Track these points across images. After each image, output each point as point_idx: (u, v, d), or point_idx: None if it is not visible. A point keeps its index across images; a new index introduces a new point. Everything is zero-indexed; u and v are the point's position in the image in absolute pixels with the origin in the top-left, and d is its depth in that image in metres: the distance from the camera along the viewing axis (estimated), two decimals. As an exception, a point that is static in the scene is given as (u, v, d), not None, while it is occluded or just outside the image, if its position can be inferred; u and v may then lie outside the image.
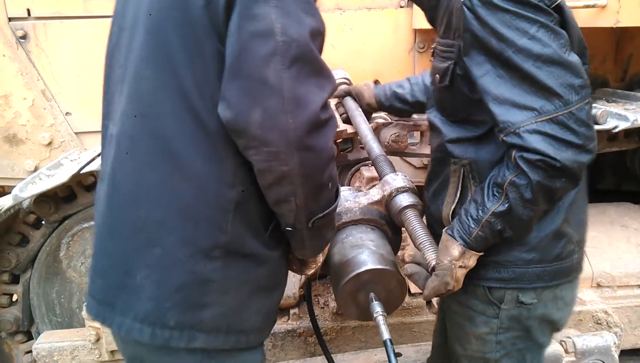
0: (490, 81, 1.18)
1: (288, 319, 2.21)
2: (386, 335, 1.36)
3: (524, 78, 1.14)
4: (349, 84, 2.17)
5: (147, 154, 1.08)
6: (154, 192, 1.07)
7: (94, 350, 2.07)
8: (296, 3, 0.98)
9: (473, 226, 1.25)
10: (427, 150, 2.20)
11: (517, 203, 1.19)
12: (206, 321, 1.11)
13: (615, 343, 2.10)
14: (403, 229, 1.57)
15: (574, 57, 1.17)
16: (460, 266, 1.27)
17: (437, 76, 1.36)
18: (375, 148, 1.75)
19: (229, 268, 1.11)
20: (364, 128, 1.85)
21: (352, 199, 1.58)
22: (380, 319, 1.38)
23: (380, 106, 1.97)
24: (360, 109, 1.97)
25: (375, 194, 1.57)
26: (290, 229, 1.15)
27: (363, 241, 1.50)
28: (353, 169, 2.18)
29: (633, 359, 2.55)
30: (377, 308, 1.40)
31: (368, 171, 2.11)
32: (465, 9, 1.19)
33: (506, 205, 1.21)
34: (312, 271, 1.38)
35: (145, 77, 1.07)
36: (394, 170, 1.64)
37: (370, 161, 2.20)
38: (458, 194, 1.36)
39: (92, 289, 1.21)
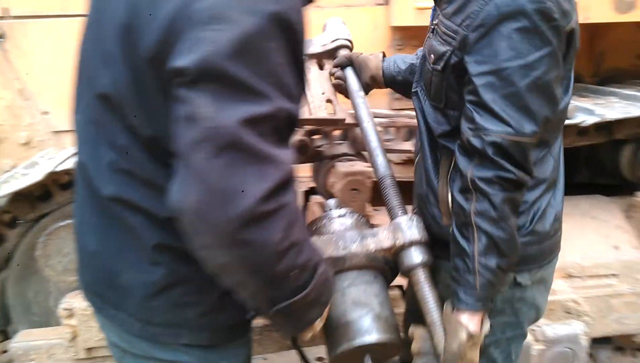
0: (480, 83, 1.17)
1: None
2: None
3: (514, 94, 1.14)
4: (351, 48, 1.95)
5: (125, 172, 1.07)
6: (135, 203, 1.07)
7: (70, 348, 2.08)
8: (232, 88, 0.88)
9: (471, 279, 1.21)
10: (403, 146, 2.23)
11: (492, 228, 1.18)
12: (191, 319, 1.15)
13: (584, 331, 2.16)
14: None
15: (559, 93, 1.20)
16: (471, 346, 1.23)
17: (432, 56, 1.32)
18: (381, 166, 1.60)
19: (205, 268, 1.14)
20: (371, 134, 1.66)
21: (358, 241, 1.44)
22: None
23: (388, 81, 1.77)
24: (364, 98, 1.77)
25: (384, 240, 1.44)
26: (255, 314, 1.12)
27: (367, 296, 1.39)
28: (329, 165, 2.19)
29: (603, 347, 2.60)
30: None
31: (343, 167, 2.12)
32: (491, 4, 1.14)
33: (483, 238, 1.18)
34: (310, 335, 1.25)
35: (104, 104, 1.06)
36: (403, 205, 1.51)
37: (345, 157, 2.22)
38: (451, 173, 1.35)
39: (83, 281, 1.24)
